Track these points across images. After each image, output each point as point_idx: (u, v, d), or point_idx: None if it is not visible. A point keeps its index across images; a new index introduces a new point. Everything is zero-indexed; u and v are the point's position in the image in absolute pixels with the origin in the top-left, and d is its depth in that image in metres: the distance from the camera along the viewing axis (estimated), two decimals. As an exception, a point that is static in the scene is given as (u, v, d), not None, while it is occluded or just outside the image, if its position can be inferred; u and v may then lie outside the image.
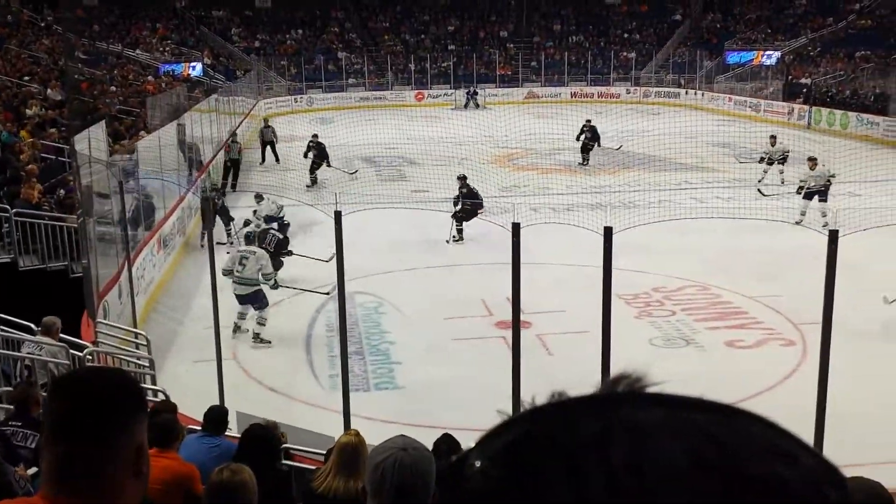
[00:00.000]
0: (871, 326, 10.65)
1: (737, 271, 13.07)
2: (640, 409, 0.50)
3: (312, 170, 21.31)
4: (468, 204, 15.16)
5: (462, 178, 15.96)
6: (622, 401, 0.51)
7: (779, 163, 19.80)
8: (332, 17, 49.30)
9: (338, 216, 6.83)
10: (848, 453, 6.77)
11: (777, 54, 41.36)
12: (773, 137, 20.40)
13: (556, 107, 39.99)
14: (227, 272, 10.85)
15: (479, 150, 25.37)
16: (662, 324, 11.41)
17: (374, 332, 11.40)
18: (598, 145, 23.88)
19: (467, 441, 0.60)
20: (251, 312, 11.06)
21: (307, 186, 20.59)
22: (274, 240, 12.52)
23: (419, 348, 10.77)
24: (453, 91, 43.38)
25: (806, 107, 32.67)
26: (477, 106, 41.41)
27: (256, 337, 10.96)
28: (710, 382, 9.23)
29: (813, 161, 16.94)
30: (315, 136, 21.98)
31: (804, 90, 34.67)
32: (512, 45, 48.02)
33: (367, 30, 49.13)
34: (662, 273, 13.27)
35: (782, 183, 18.88)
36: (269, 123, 25.80)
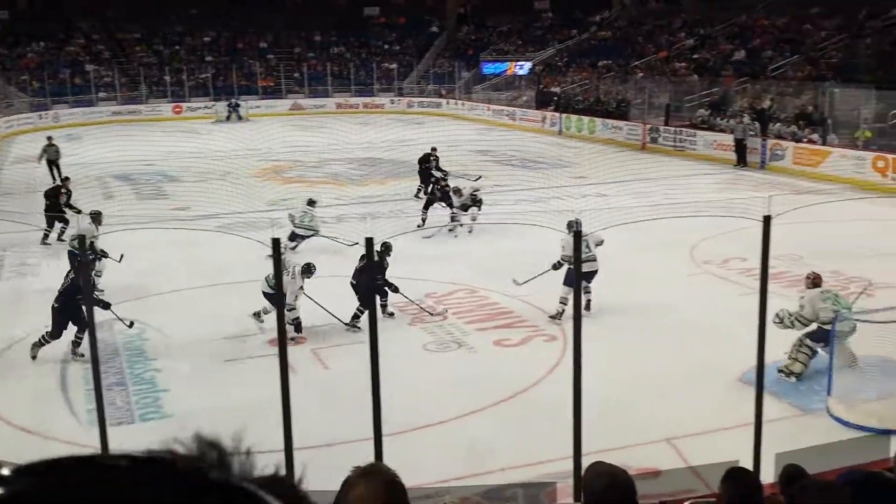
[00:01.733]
0: (623, 316, 11.48)
1: (501, 273, 13.58)
2: (25, 480, 0.58)
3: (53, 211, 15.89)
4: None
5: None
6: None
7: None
8: (76, 27, 46.35)
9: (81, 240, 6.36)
10: (606, 437, 7.20)
11: (528, 64, 43.48)
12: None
13: (321, 118, 39.95)
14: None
15: (244, 163, 24.78)
16: (435, 329, 11.62)
17: (137, 359, 10.74)
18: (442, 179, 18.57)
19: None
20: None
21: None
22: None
23: (187, 373, 10.27)
24: (214, 103, 42.14)
25: (557, 114, 34.64)
26: (240, 118, 40.53)
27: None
28: (481, 382, 9.53)
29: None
30: (66, 179, 17.78)
31: (555, 98, 36.68)
32: (273, 56, 47.39)
33: (115, 41, 46.61)
34: (433, 279, 13.54)
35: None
36: (53, 142, 23.61)
